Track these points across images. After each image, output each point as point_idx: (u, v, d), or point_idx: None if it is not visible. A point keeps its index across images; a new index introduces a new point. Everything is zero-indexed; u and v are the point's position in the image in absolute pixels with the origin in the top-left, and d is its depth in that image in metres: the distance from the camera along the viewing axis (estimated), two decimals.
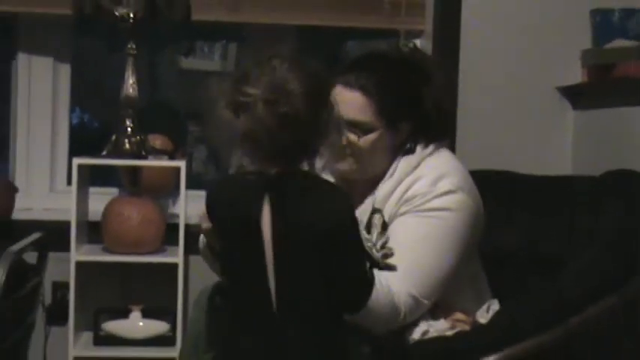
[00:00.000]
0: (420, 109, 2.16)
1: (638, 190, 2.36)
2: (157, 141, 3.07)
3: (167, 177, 3.12)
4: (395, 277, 1.97)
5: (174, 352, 2.79)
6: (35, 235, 2.69)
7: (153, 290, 3.06)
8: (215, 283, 2.13)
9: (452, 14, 3.11)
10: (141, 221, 2.90)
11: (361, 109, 2.11)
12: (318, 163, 1.80)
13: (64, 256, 2.82)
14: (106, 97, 3.54)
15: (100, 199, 3.03)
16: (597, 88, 3.02)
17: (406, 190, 2.11)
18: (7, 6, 3.06)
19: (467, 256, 2.14)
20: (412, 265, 2.00)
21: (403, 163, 2.15)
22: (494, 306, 2.25)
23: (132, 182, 3.07)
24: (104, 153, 2.87)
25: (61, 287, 3.06)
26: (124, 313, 3.00)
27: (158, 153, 2.97)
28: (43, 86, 3.25)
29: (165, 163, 2.96)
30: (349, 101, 2.10)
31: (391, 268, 1.97)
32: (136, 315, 2.99)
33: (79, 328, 2.91)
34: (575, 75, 3.09)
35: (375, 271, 1.90)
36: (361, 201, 2.16)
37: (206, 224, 1.94)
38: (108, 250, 2.93)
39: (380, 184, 2.16)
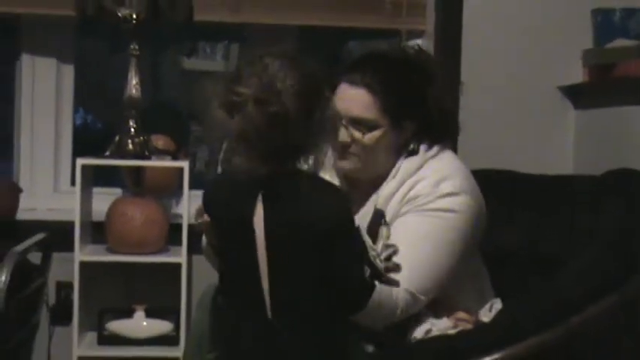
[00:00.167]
0: (424, 109, 2.17)
1: (639, 189, 2.36)
2: (159, 141, 3.08)
3: (170, 177, 3.13)
4: (393, 273, 1.98)
5: (178, 351, 2.80)
6: (39, 236, 2.69)
7: (156, 290, 3.07)
8: (217, 282, 2.14)
9: (453, 14, 3.12)
10: (144, 221, 2.90)
11: (366, 106, 2.12)
12: (327, 162, 1.79)
13: (68, 257, 2.83)
14: (109, 97, 3.56)
15: (103, 200, 3.05)
16: (598, 88, 3.03)
17: (409, 191, 2.12)
18: (11, 7, 3.07)
19: (467, 257, 2.14)
20: (411, 262, 2.00)
21: (406, 164, 2.15)
22: (497, 305, 2.26)
23: (135, 182, 3.08)
24: (107, 153, 2.88)
25: (65, 287, 3.07)
26: (128, 313, 3.01)
27: (161, 153, 2.98)
28: (46, 87, 3.26)
29: (168, 163, 2.97)
30: (354, 98, 2.11)
31: (392, 283, 1.95)
32: (139, 315, 3.01)
33: (83, 328, 2.92)
34: (577, 74, 3.09)
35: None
36: (364, 201, 2.17)
37: (202, 219, 1.95)
38: (111, 250, 2.94)
39: (383, 185, 2.16)
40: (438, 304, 2.10)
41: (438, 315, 2.10)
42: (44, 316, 2.96)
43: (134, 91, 2.86)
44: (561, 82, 3.12)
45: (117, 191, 3.25)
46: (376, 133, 2.13)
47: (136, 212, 2.91)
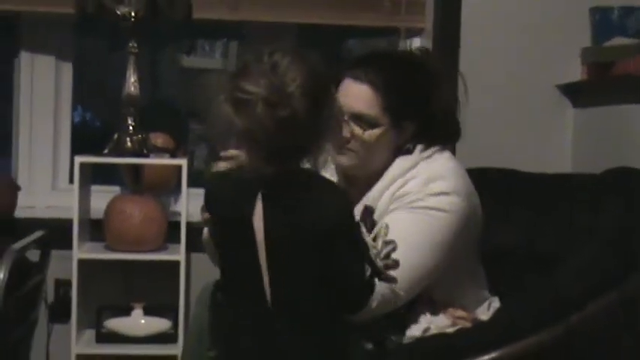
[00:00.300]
0: (426, 110, 2.16)
1: (638, 188, 2.36)
2: (158, 139, 3.08)
3: (169, 175, 3.13)
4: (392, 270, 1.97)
5: (176, 349, 2.80)
6: (38, 233, 2.70)
7: (155, 288, 3.07)
8: (217, 279, 2.14)
9: (452, 12, 3.12)
10: (143, 219, 2.91)
11: (368, 102, 2.12)
12: (321, 158, 1.78)
13: (66, 254, 2.83)
14: (107, 95, 3.55)
15: (102, 197, 3.04)
16: (597, 86, 3.03)
17: (399, 189, 2.11)
18: (10, 5, 3.07)
19: (457, 257, 2.12)
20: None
21: (399, 162, 2.15)
22: (495, 303, 2.26)
23: (134, 180, 3.08)
24: (106, 151, 2.88)
25: (63, 285, 3.07)
26: (126, 311, 3.01)
27: (160, 151, 2.98)
28: (45, 85, 3.26)
29: (166, 161, 2.98)
30: (357, 94, 2.12)
31: (391, 280, 1.92)
32: (138, 312, 3.01)
33: (81, 326, 2.92)
34: (575, 73, 3.10)
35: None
36: (359, 199, 2.17)
37: (206, 214, 1.95)
38: (110, 248, 2.94)
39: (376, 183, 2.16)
40: (436, 302, 2.10)
41: (436, 313, 2.10)
42: (43, 314, 2.96)
43: (133, 88, 2.86)
44: (560, 81, 3.12)
45: (115, 189, 3.26)
46: (376, 131, 2.13)
47: (135, 210, 2.92)
